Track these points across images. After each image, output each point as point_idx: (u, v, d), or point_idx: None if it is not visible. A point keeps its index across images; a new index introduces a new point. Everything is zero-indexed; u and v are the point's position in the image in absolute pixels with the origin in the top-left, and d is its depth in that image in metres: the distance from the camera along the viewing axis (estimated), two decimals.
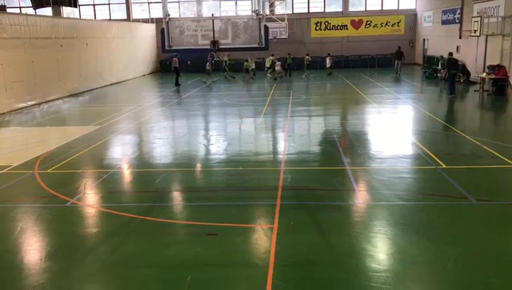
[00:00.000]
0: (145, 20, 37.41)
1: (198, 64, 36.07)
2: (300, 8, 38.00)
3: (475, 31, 24.08)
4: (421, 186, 8.97)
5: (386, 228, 6.92)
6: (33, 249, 6.65)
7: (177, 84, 28.18)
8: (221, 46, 9.88)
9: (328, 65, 31.99)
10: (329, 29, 37.43)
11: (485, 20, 23.28)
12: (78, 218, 7.78)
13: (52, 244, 6.81)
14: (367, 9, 37.68)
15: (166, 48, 9.92)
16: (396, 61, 30.06)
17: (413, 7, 37.38)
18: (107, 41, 29.98)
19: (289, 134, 13.87)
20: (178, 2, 37.53)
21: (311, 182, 9.35)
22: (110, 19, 37.30)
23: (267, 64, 30.59)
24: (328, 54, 33.16)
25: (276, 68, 29.84)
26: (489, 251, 6.18)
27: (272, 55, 30.99)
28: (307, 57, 32.87)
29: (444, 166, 9.90)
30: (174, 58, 28.78)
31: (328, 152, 11.78)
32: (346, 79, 28.72)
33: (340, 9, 37.76)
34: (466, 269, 5.74)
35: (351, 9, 37.78)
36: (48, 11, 32.62)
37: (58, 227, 7.43)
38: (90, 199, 8.71)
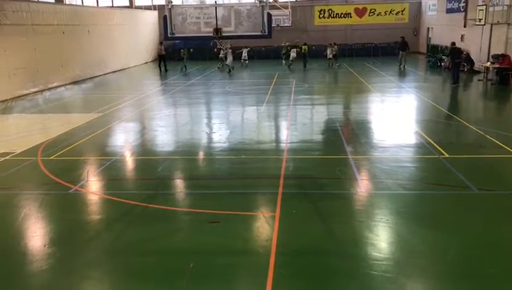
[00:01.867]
0: (148, 7, 37.19)
1: (200, 52, 35.97)
2: None
3: (480, 19, 23.85)
4: (423, 175, 8.97)
5: (388, 216, 6.95)
6: (36, 235, 6.71)
7: (165, 70, 28.84)
8: (224, 34, 9.80)
9: (329, 56, 29.11)
10: (333, 17, 37.13)
11: (490, 9, 23.05)
12: (80, 205, 7.83)
13: (55, 230, 6.86)
14: None
15: (169, 35, 9.85)
16: (400, 52, 27.45)
17: None
18: (109, 29, 29.84)
19: (291, 122, 13.85)
20: None
21: (313, 171, 9.35)
22: (112, 6, 37.08)
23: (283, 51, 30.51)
24: (331, 44, 31.83)
25: (291, 54, 29.03)
26: (490, 240, 6.19)
27: (299, 42, 30.93)
28: (335, 47, 29.57)
29: (447, 155, 9.89)
30: (159, 47, 29.63)
31: (331, 141, 11.78)
32: (349, 68, 28.57)
33: None
34: (466, 259, 5.77)
35: None
36: None
37: (61, 214, 7.48)
38: (93, 186, 8.74)
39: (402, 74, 25.32)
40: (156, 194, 8.19)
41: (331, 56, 29.03)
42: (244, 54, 31.03)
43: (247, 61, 30.88)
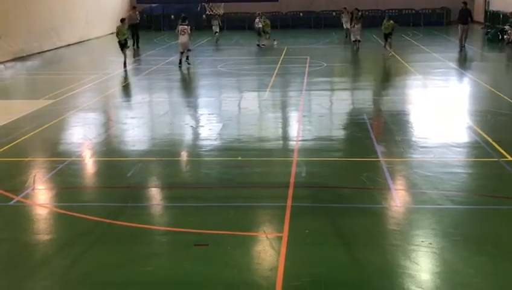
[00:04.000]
0: None
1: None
2: None
3: None
4: (478, 184, 8.96)
5: (432, 239, 6.94)
6: None
7: (136, 46, 28.07)
8: None
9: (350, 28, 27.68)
10: None
11: None
12: (25, 221, 7.81)
13: None
14: None
15: None
16: (460, 25, 24.81)
17: None
18: None
19: (304, 114, 13.85)
20: None
21: (333, 178, 9.36)
22: None
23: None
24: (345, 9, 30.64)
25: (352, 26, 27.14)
26: None
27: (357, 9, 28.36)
28: (389, 23, 24.36)
29: (510, 158, 9.89)
30: (130, 13, 29.34)
31: (356, 138, 11.77)
32: (381, 41, 28.55)
33: None
34: None
35: None
36: None
37: None
38: (42, 197, 8.74)
39: (451, 50, 25.28)
40: (124, 208, 8.17)
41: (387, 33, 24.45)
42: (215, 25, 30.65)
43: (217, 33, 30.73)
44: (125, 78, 20.08)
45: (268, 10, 35.60)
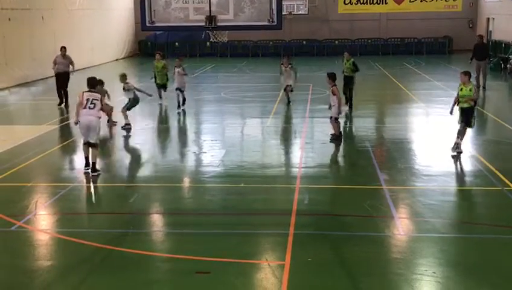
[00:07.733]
0: None
1: (189, 47, 36.25)
2: None
3: None
4: (482, 213, 8.93)
5: (435, 268, 6.89)
6: None
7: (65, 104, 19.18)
8: (219, 24, 9.92)
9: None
10: (363, 3, 37.43)
11: None
12: (26, 247, 7.78)
13: None
14: None
15: (147, 24, 9.97)
16: (477, 62, 21.65)
17: None
18: (69, 15, 30.17)
19: (307, 141, 13.87)
20: None
21: (336, 206, 9.34)
22: None
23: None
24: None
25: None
26: None
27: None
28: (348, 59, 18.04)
29: None
30: (55, 58, 20.10)
31: (359, 166, 11.77)
32: (383, 69, 28.75)
33: None
34: None
35: None
36: None
37: None
38: (43, 222, 8.71)
39: (453, 78, 25.35)
40: (126, 234, 8.15)
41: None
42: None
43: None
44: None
45: (271, 38, 36.00)
